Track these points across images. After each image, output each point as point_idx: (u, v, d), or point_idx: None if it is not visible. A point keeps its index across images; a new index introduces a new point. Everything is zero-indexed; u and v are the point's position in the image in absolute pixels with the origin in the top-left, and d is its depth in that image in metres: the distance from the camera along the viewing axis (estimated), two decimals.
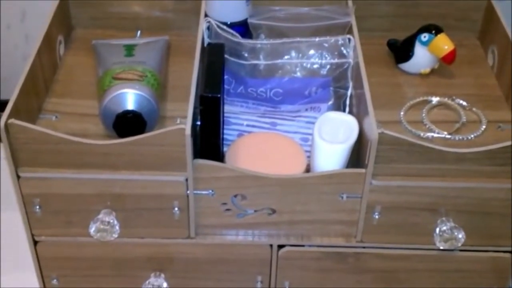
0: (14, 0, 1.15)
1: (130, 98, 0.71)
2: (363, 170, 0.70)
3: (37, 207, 0.72)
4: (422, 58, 0.84)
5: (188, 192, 0.71)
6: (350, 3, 0.86)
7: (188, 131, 0.66)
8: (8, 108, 0.67)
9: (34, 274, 0.79)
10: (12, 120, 0.66)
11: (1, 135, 0.66)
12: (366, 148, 0.70)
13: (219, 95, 0.68)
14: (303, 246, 0.77)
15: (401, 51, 0.86)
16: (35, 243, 0.76)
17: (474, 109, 0.81)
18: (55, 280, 0.79)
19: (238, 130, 0.83)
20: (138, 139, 0.67)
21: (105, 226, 0.71)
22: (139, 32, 0.92)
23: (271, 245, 0.77)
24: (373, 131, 0.67)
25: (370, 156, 0.68)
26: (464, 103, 0.81)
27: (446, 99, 0.81)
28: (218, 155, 0.73)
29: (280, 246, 0.77)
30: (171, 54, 0.88)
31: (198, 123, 0.71)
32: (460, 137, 0.76)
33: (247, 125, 0.83)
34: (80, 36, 0.91)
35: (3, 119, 0.66)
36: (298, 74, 0.82)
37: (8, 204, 0.94)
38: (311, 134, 0.81)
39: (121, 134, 0.71)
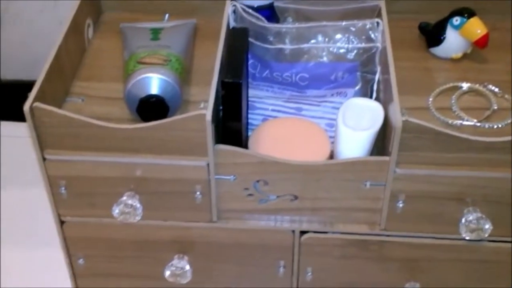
0: None
1: (153, 82, 0.71)
2: (387, 158, 0.69)
3: (63, 188, 0.73)
4: (454, 42, 0.82)
5: (210, 177, 0.71)
6: None
7: (208, 116, 0.66)
8: (33, 91, 0.68)
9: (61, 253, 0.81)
10: (37, 104, 0.67)
11: (26, 118, 0.68)
12: (389, 134, 0.69)
13: (240, 81, 0.67)
14: (325, 232, 0.76)
15: (433, 35, 0.84)
16: (62, 223, 0.77)
17: (506, 96, 0.78)
18: (81, 260, 0.81)
19: (263, 115, 0.82)
20: (159, 124, 0.68)
21: (128, 209, 0.72)
22: (167, 15, 0.92)
23: (293, 231, 0.76)
24: (397, 119, 0.66)
25: (394, 144, 0.67)
26: (496, 90, 0.78)
27: (477, 85, 0.79)
28: (240, 140, 0.73)
29: (303, 232, 0.76)
30: (197, 37, 0.88)
31: (221, 107, 0.71)
32: (490, 125, 0.74)
33: (272, 110, 0.82)
34: (108, 20, 0.91)
35: (28, 103, 0.67)
36: (325, 58, 0.81)
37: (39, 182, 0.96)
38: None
39: (144, 118, 0.72)
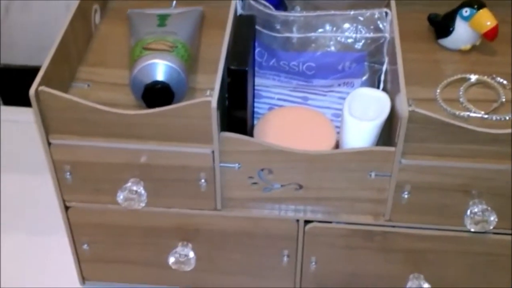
0: None
1: (159, 68, 0.71)
2: (392, 149, 0.69)
3: (68, 173, 0.73)
4: (463, 34, 0.81)
5: (215, 164, 0.71)
6: None
7: (214, 103, 0.66)
8: (39, 75, 0.68)
9: (66, 238, 0.81)
10: (42, 88, 0.67)
11: (31, 102, 0.68)
12: (395, 124, 0.68)
13: (246, 68, 0.67)
14: (330, 222, 0.76)
15: (442, 26, 0.83)
16: (66, 208, 0.78)
17: None
18: (85, 245, 0.81)
19: (269, 104, 0.82)
20: (164, 110, 0.68)
21: (132, 195, 0.72)
22: (174, 2, 0.91)
23: (297, 220, 0.76)
24: (403, 109, 0.65)
25: (400, 135, 0.67)
26: (505, 82, 0.78)
27: (485, 77, 0.78)
28: (245, 128, 0.73)
29: (307, 222, 0.76)
30: (204, 25, 0.87)
31: (227, 95, 0.71)
32: (498, 117, 0.73)
33: (278, 99, 0.82)
34: (116, 6, 0.91)
35: (33, 87, 0.67)
36: (332, 48, 0.81)
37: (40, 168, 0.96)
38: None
39: (150, 105, 0.71)
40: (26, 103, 1.19)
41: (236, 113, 0.70)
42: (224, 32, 0.75)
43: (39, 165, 0.97)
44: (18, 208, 0.98)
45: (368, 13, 0.79)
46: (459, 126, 0.66)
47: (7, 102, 1.28)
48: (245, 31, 0.72)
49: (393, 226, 0.75)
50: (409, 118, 0.65)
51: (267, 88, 0.83)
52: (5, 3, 1.18)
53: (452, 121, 0.66)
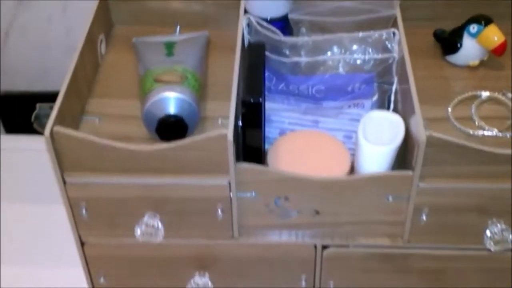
0: None
1: (171, 102, 0.71)
2: (410, 173, 0.69)
3: (83, 210, 0.73)
4: (470, 50, 0.81)
5: (231, 194, 0.71)
6: None
7: (230, 137, 0.66)
8: (53, 114, 0.68)
9: (82, 272, 0.80)
10: (57, 128, 0.67)
11: (46, 142, 0.67)
12: (413, 147, 0.68)
13: (261, 101, 0.66)
14: (347, 246, 0.76)
15: (449, 42, 0.83)
16: (82, 244, 0.77)
17: None
18: (102, 279, 0.81)
19: (279, 128, 0.82)
20: (181, 144, 0.67)
21: (150, 230, 0.72)
22: (178, 27, 0.91)
23: (315, 245, 0.76)
24: (420, 133, 0.65)
25: (418, 159, 0.67)
26: None
27: (496, 94, 0.78)
28: (260, 157, 0.72)
29: (324, 247, 0.76)
30: (211, 49, 0.87)
31: (240, 123, 0.71)
32: None
33: (289, 123, 0.82)
34: (120, 33, 0.91)
35: (48, 126, 0.66)
36: (341, 70, 0.80)
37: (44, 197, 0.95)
38: (354, 131, 0.79)
39: (164, 138, 0.71)
40: (28, 129, 1.19)
41: (251, 143, 0.70)
42: (231, 56, 0.75)
43: (43, 194, 0.96)
44: (28, 239, 0.97)
45: (376, 34, 0.79)
46: (477, 149, 0.66)
47: (9, 130, 1.27)
48: (256, 59, 0.72)
49: (411, 248, 0.75)
50: (426, 142, 0.65)
51: (277, 112, 0.82)
52: (5, 27, 1.17)
53: (470, 144, 0.66)
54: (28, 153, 1.12)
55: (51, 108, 0.68)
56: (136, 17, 0.91)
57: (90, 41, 0.80)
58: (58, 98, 0.70)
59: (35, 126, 1.11)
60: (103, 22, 0.87)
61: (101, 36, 0.86)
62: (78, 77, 0.76)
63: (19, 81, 1.24)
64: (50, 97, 0.76)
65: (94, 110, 0.79)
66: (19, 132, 1.23)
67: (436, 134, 0.65)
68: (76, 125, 0.75)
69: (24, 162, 1.12)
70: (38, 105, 1.14)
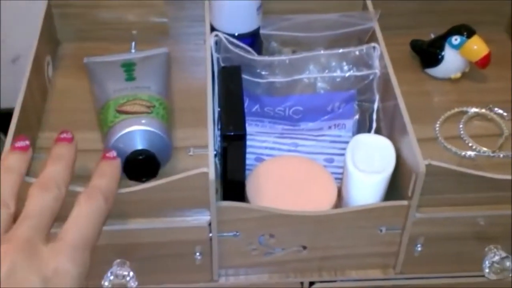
0: None
1: (139, 136, 0.63)
2: (405, 202, 0.63)
3: None
4: (453, 62, 0.77)
5: (212, 235, 0.64)
6: (370, 7, 0.77)
7: (212, 175, 0.58)
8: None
9: None
10: None
11: None
12: (406, 174, 0.63)
13: (244, 132, 0.59)
14: (335, 281, 0.70)
15: (429, 54, 0.79)
16: None
17: None
18: None
19: (255, 154, 0.75)
20: (155, 186, 0.59)
21: (119, 280, 0.64)
22: (133, 43, 0.82)
23: (301, 283, 0.70)
24: (419, 163, 0.60)
25: (416, 189, 0.61)
26: (504, 114, 0.74)
27: (483, 110, 0.74)
28: (242, 193, 0.65)
29: (312, 283, 0.70)
30: (171, 67, 0.79)
31: (214, 152, 0.63)
32: (505, 154, 0.69)
33: (266, 147, 0.75)
34: (68, 52, 0.81)
35: None
36: (319, 89, 0.74)
37: None
38: (336, 154, 0.74)
39: (132, 178, 0.63)
40: None
41: (233, 177, 0.63)
42: (195, 75, 0.70)
43: None
44: None
45: (356, 50, 0.73)
46: (480, 176, 0.61)
47: None
48: (233, 86, 0.64)
49: (404, 279, 0.70)
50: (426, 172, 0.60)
51: (251, 137, 0.75)
52: None
53: (471, 171, 0.61)
54: None
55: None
56: (85, 31, 0.82)
57: (36, 65, 0.71)
58: (8, 137, 0.60)
59: None
60: (49, 40, 0.78)
61: (48, 58, 0.76)
62: (28, 109, 0.66)
63: None
64: None
65: (47, 146, 0.69)
66: None
67: (435, 163, 0.60)
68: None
69: None
70: None
